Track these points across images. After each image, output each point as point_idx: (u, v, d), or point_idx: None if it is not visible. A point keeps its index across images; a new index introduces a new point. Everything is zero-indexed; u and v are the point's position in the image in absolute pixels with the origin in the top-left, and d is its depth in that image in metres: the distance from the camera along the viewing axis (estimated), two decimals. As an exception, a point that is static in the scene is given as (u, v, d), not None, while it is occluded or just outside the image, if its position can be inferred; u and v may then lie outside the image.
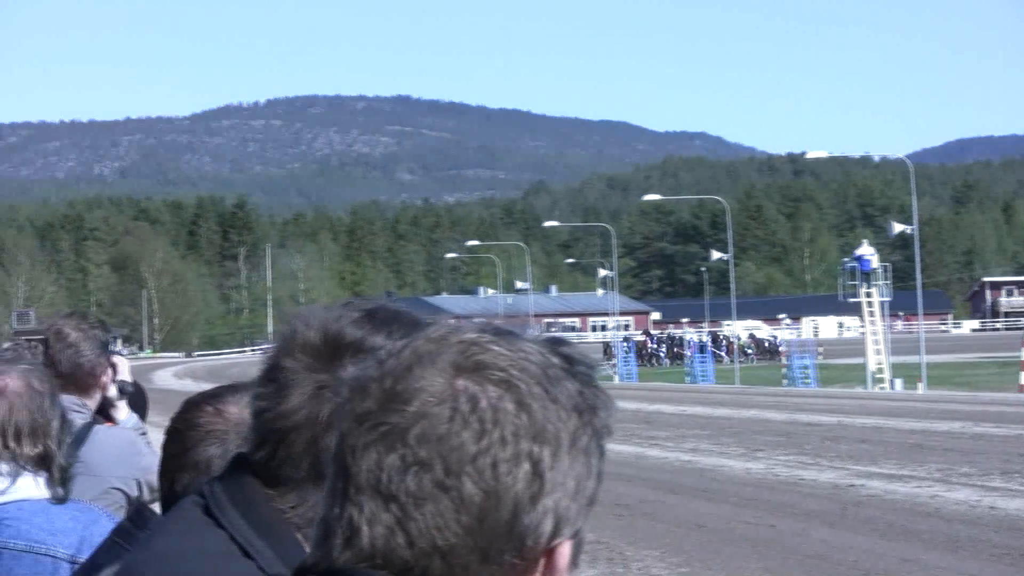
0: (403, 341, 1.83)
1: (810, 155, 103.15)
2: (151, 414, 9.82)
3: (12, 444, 4.42)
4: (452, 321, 1.86)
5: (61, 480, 4.54)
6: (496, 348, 1.77)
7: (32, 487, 4.43)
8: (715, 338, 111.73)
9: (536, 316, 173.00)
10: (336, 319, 2.55)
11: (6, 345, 7.10)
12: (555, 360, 1.80)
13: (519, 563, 1.74)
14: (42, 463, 4.47)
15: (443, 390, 1.73)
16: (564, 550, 1.76)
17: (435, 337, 1.79)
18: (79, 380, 6.97)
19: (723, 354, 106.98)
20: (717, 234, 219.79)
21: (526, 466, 1.72)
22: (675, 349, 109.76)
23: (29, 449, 4.45)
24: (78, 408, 6.56)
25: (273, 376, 2.52)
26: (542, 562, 1.76)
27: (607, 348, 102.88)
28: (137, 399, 8.74)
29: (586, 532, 1.83)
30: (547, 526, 1.74)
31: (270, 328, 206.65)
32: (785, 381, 71.23)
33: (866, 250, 75.47)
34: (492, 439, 1.71)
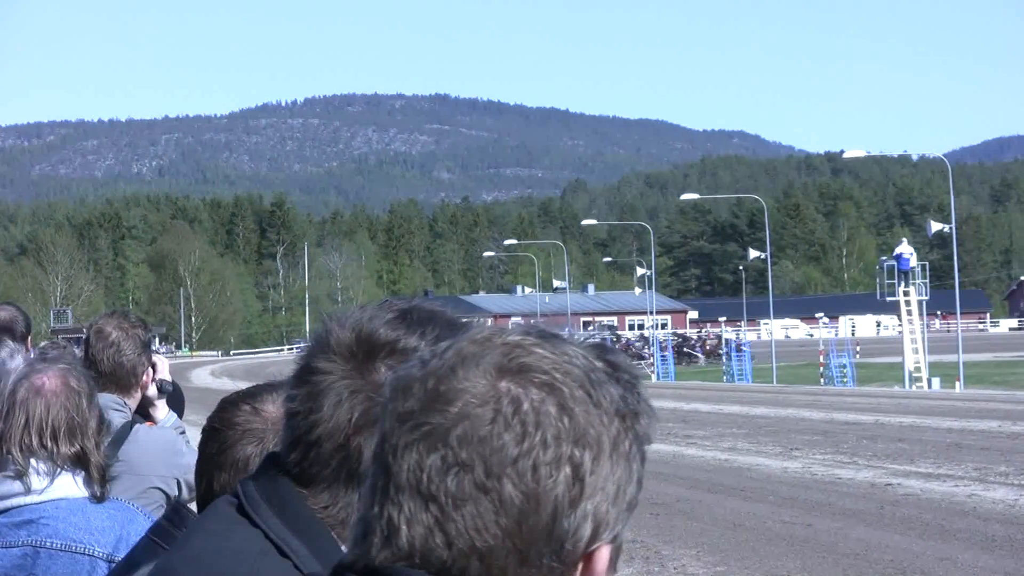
0: (448, 342, 1.82)
1: (848, 154, 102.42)
2: (189, 413, 9.86)
3: (49, 443, 4.45)
4: (492, 322, 1.86)
5: (99, 479, 4.56)
6: (540, 351, 1.77)
7: (70, 486, 4.46)
8: (684, 340, 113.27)
9: (573, 315, 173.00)
10: (370, 319, 2.54)
11: (43, 344, 7.14)
12: (599, 364, 1.79)
13: (557, 566, 1.73)
14: (79, 462, 4.50)
15: (486, 392, 1.73)
16: (603, 554, 1.76)
17: (479, 339, 1.79)
18: (120, 379, 7.00)
19: (699, 355, 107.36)
20: (755, 233, 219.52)
21: (567, 470, 1.71)
22: (684, 349, 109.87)
23: (66, 448, 4.47)
24: (119, 407, 6.60)
25: (306, 378, 2.52)
26: (580, 566, 1.75)
27: (628, 347, 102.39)
28: (174, 398, 8.79)
29: (624, 537, 1.83)
30: (586, 530, 1.73)
31: (307, 327, 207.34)
32: (823, 380, 71.04)
33: (905, 249, 75.25)
34: (534, 442, 1.71)
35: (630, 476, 1.78)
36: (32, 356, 5.50)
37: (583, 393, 1.75)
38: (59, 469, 4.47)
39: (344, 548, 2.48)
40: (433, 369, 1.77)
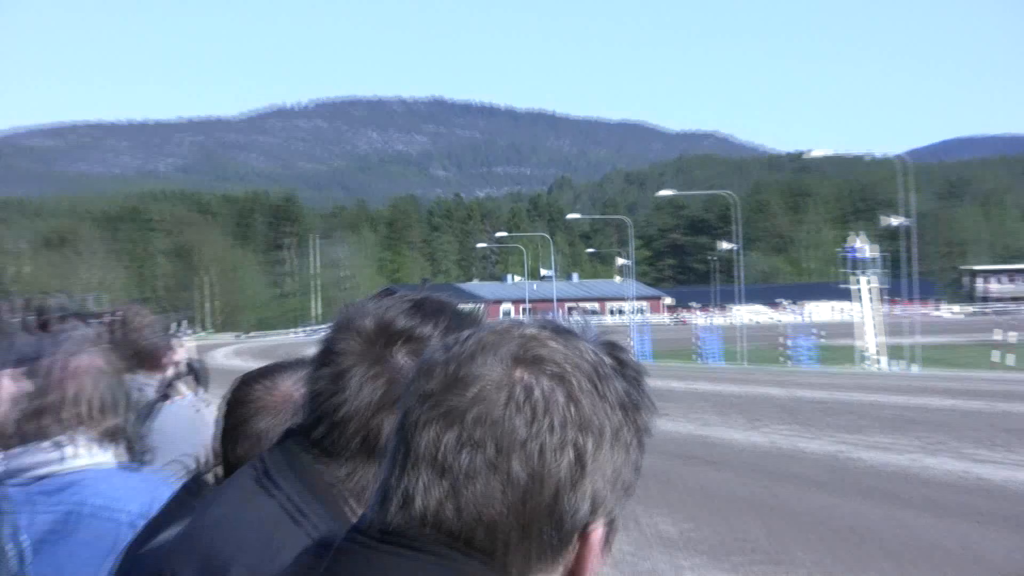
0: (470, 331, 1.86)
1: (812, 153, 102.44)
2: (209, 390, 9.93)
3: (85, 417, 4.52)
4: (485, 308, 1.94)
5: (130, 450, 4.65)
6: (553, 344, 1.79)
7: (101, 456, 4.53)
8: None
9: (559, 301, 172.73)
10: (388, 309, 2.58)
11: (79, 328, 7.20)
12: (607, 360, 1.82)
13: (556, 539, 1.75)
14: (112, 435, 4.58)
15: (501, 378, 1.75)
16: (598, 532, 1.78)
17: (499, 330, 1.82)
18: (146, 360, 7.08)
19: None
20: (725, 226, 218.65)
21: (570, 453, 1.73)
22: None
23: (100, 422, 4.55)
24: (146, 386, 6.67)
25: (329, 360, 2.55)
26: (577, 541, 1.78)
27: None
28: (196, 377, 8.86)
29: (620, 518, 1.85)
30: (584, 509, 1.75)
31: (316, 311, 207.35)
32: (787, 360, 71.13)
33: (858, 241, 75.51)
34: (542, 426, 1.73)
35: (628, 463, 1.81)
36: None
37: (590, 385, 1.77)
38: (92, 441, 4.55)
39: (355, 517, 2.57)
40: (455, 354, 1.79)
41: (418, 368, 1.84)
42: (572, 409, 1.75)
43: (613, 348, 1.86)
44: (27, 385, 4.49)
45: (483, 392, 1.75)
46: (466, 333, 1.84)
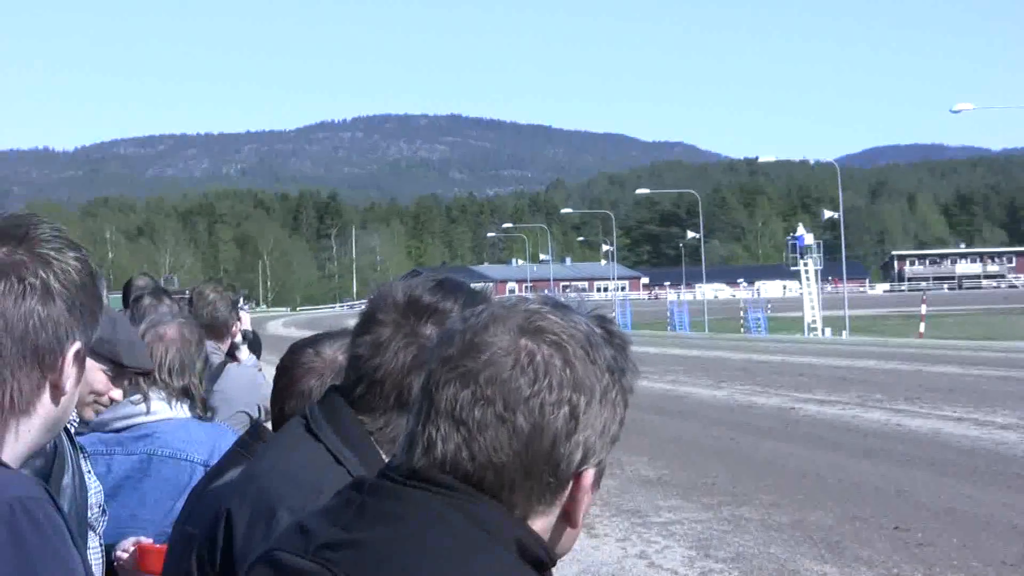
0: (484, 306, 1.86)
1: (762, 159, 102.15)
2: (265, 354, 9.85)
3: (166, 377, 4.49)
4: (494, 288, 1.89)
5: (200, 406, 4.62)
6: (552, 317, 1.80)
7: (178, 410, 4.51)
8: None
9: (555, 280, 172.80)
10: (416, 286, 2.63)
11: (163, 304, 7.15)
12: (598, 330, 1.83)
13: (553, 481, 1.78)
14: (186, 393, 4.54)
15: (509, 345, 1.77)
16: (589, 475, 1.81)
17: (508, 305, 1.84)
18: (215, 330, 7.06)
19: None
20: (691, 219, 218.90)
21: (566, 409, 1.76)
22: None
23: (177, 382, 4.53)
24: (214, 351, 6.66)
25: (368, 329, 2.59)
26: (571, 483, 1.80)
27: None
28: (255, 343, 8.79)
29: (607, 463, 1.86)
30: (577, 456, 1.78)
31: (354, 289, 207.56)
32: (743, 330, 71.11)
33: (802, 231, 75.53)
34: (542, 386, 1.75)
35: (614, 418, 1.82)
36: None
37: (583, 351, 1.79)
38: (171, 397, 4.51)
39: (386, 460, 2.51)
40: (471, 325, 1.81)
41: (440, 336, 1.86)
42: (568, 372, 1.77)
43: (603, 320, 1.88)
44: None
45: (494, 357, 1.77)
46: (480, 307, 1.86)
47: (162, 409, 4.49)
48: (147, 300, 7.30)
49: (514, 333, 1.78)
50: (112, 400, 4.02)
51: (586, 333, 1.81)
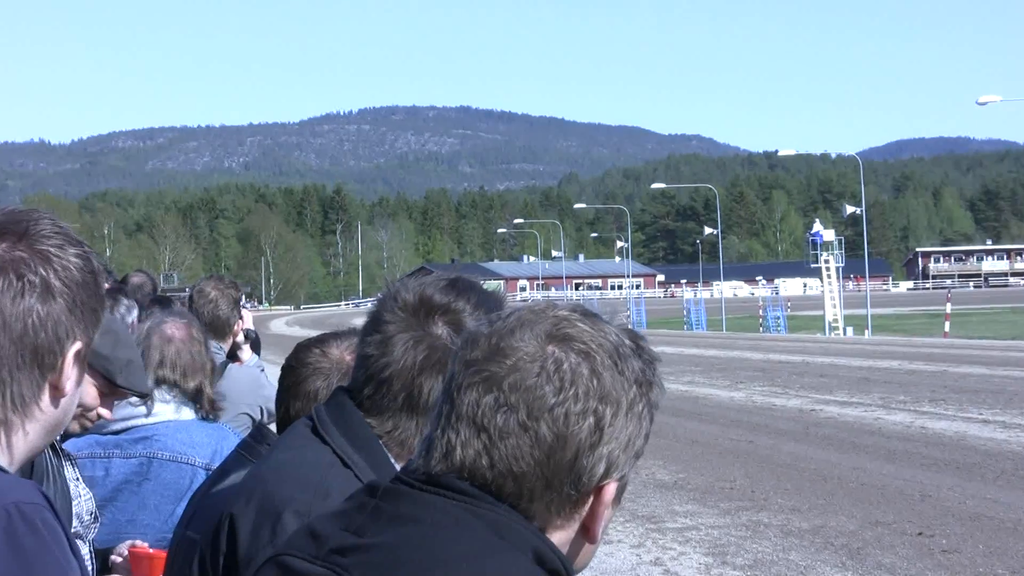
0: (511, 309, 1.88)
1: (781, 153, 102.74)
2: (267, 354, 9.86)
3: (176, 378, 4.50)
4: (505, 285, 1.89)
5: (210, 407, 4.61)
6: (582, 325, 1.81)
7: (180, 411, 4.50)
8: None
9: (567, 278, 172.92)
10: (427, 285, 2.60)
11: (166, 302, 7.16)
12: (627, 342, 1.84)
13: (574, 494, 1.78)
14: (196, 394, 4.54)
15: (536, 351, 1.77)
16: (611, 489, 1.81)
17: (536, 310, 1.83)
18: (217, 328, 7.04)
19: None
20: (709, 214, 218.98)
21: (591, 420, 1.76)
22: None
23: (186, 383, 4.52)
24: (216, 350, 6.63)
25: (378, 328, 2.57)
26: (592, 496, 1.80)
27: None
28: (254, 343, 8.80)
29: (630, 479, 1.88)
30: (600, 469, 1.78)
31: (360, 287, 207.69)
32: (762, 329, 71.03)
33: (820, 228, 75.58)
34: (568, 395, 1.75)
35: (639, 431, 1.82)
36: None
37: (611, 362, 1.79)
38: (174, 398, 4.50)
39: (396, 464, 2.52)
40: (497, 329, 1.81)
41: (465, 338, 1.85)
42: (595, 382, 1.77)
43: (633, 334, 1.88)
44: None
45: (519, 363, 1.76)
46: (508, 310, 1.87)
47: (163, 411, 4.48)
48: (126, 300, 7.30)
49: (541, 339, 1.78)
50: (100, 417, 4.01)
51: (615, 343, 1.81)
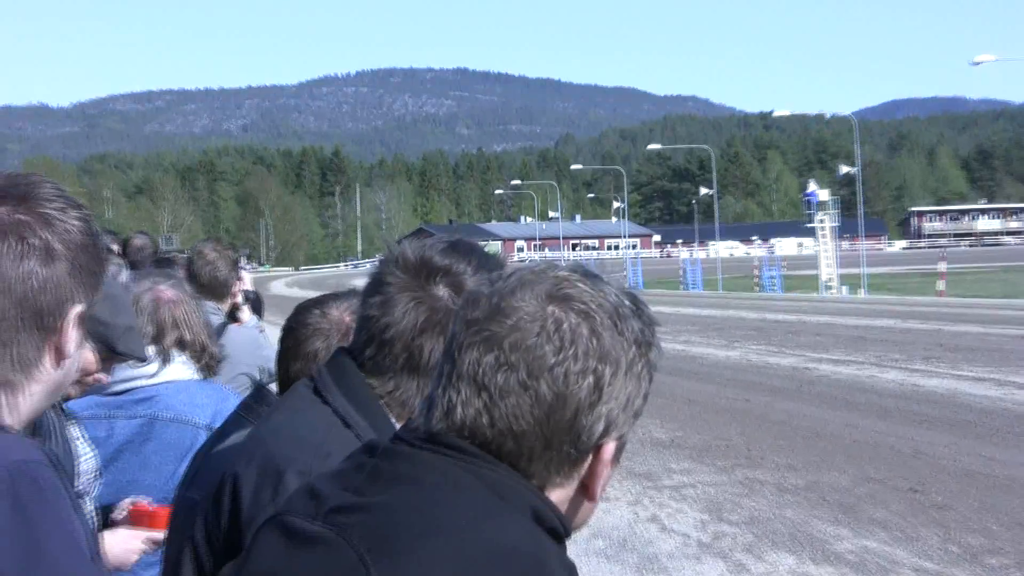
0: (513, 269, 1.87)
1: (776, 113, 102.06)
2: (268, 315, 9.86)
3: (169, 338, 4.49)
4: (503, 246, 1.88)
5: (210, 365, 4.61)
6: (582, 286, 1.81)
7: (180, 371, 4.50)
8: None
9: (564, 239, 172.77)
10: (429, 248, 2.61)
11: (163, 264, 7.17)
12: (627, 303, 1.83)
13: (573, 453, 1.79)
14: (193, 352, 4.54)
15: (536, 311, 1.77)
16: (609, 448, 1.81)
17: (537, 271, 1.83)
18: (216, 290, 7.05)
19: None
20: (704, 175, 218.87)
21: (590, 379, 1.76)
22: None
23: (181, 341, 4.52)
24: (215, 312, 6.64)
25: (379, 290, 2.58)
26: (591, 455, 1.81)
27: None
28: (256, 304, 8.80)
29: (628, 438, 1.86)
30: (599, 428, 1.78)
31: (358, 248, 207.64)
32: (757, 288, 71.02)
33: (815, 187, 75.44)
34: (567, 354, 1.75)
35: (638, 391, 1.83)
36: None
37: (611, 322, 1.79)
38: (174, 359, 4.50)
39: (397, 424, 2.54)
40: (498, 289, 1.81)
41: (466, 298, 1.85)
42: (594, 341, 1.77)
43: (632, 295, 1.88)
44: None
45: (520, 322, 1.76)
46: (508, 271, 1.86)
47: (166, 372, 4.49)
48: (118, 260, 7.30)
49: (542, 299, 1.78)
50: (98, 380, 4.02)
51: (615, 304, 1.81)
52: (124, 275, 5.60)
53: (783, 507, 12.28)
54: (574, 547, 1.90)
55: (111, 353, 3.93)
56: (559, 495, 1.82)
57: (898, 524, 11.38)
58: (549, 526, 1.77)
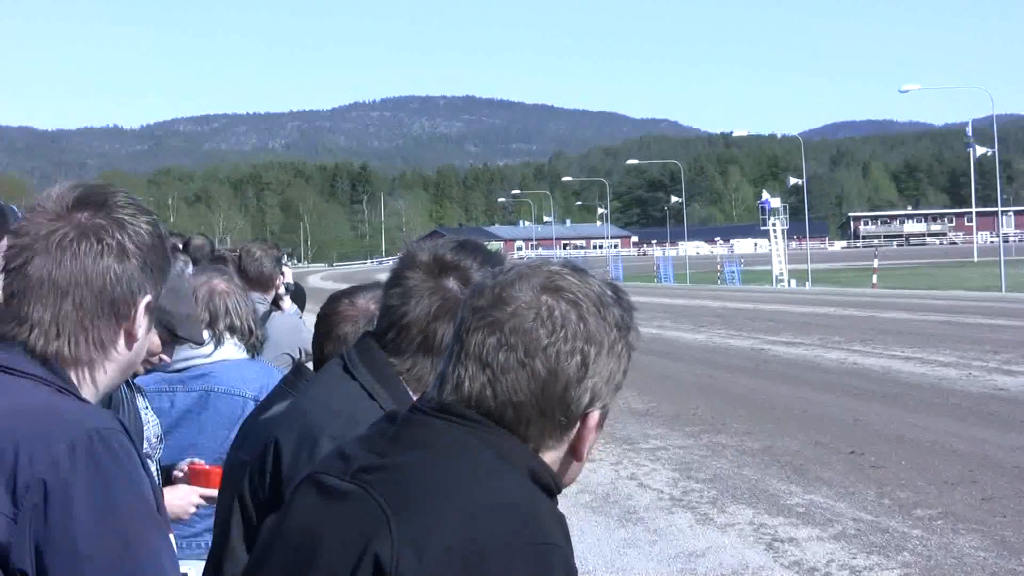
0: (512, 264, 1.88)
1: (735, 133, 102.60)
2: (308, 305, 9.84)
3: (222, 323, 4.47)
4: (504, 246, 1.89)
5: (255, 347, 4.60)
6: (571, 278, 1.82)
7: (231, 351, 4.48)
8: None
9: (556, 239, 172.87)
10: (441, 247, 2.63)
11: (217, 259, 7.15)
12: (609, 293, 1.84)
13: (564, 420, 1.79)
14: (242, 335, 4.52)
15: (532, 300, 1.78)
16: (595, 416, 1.82)
17: (533, 266, 1.84)
18: (262, 282, 7.03)
19: None
20: (675, 186, 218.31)
21: (578, 358, 1.77)
22: None
23: (231, 326, 4.50)
24: (261, 301, 6.63)
25: (399, 283, 2.60)
26: (579, 422, 1.82)
27: None
28: (299, 295, 8.76)
29: (611, 407, 1.87)
30: (586, 399, 1.80)
31: (383, 247, 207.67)
32: (720, 281, 71.01)
33: (768, 196, 75.44)
34: (559, 336, 1.77)
35: (619, 368, 1.83)
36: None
37: (595, 309, 1.80)
38: (225, 340, 4.48)
39: (414, 397, 2.52)
40: (500, 281, 1.82)
41: (472, 288, 1.86)
42: (582, 326, 1.78)
43: (614, 286, 1.89)
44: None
45: (518, 310, 1.78)
46: (509, 266, 1.87)
47: (219, 352, 4.48)
48: (183, 256, 7.28)
49: (537, 290, 1.79)
50: (162, 361, 4.01)
51: (599, 294, 1.82)
52: (189, 269, 5.59)
53: (743, 467, 12.25)
54: (564, 501, 1.89)
55: (173, 336, 3.91)
56: (552, 456, 1.83)
57: (840, 482, 11.36)
58: (543, 483, 1.79)
